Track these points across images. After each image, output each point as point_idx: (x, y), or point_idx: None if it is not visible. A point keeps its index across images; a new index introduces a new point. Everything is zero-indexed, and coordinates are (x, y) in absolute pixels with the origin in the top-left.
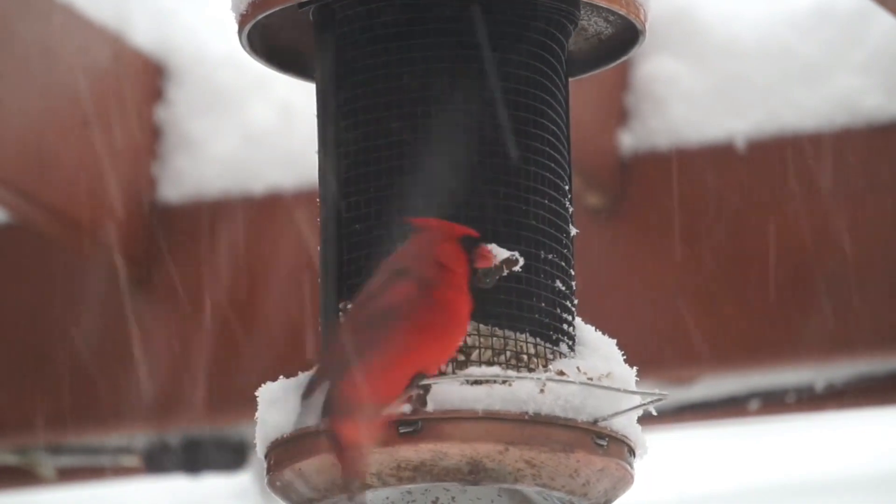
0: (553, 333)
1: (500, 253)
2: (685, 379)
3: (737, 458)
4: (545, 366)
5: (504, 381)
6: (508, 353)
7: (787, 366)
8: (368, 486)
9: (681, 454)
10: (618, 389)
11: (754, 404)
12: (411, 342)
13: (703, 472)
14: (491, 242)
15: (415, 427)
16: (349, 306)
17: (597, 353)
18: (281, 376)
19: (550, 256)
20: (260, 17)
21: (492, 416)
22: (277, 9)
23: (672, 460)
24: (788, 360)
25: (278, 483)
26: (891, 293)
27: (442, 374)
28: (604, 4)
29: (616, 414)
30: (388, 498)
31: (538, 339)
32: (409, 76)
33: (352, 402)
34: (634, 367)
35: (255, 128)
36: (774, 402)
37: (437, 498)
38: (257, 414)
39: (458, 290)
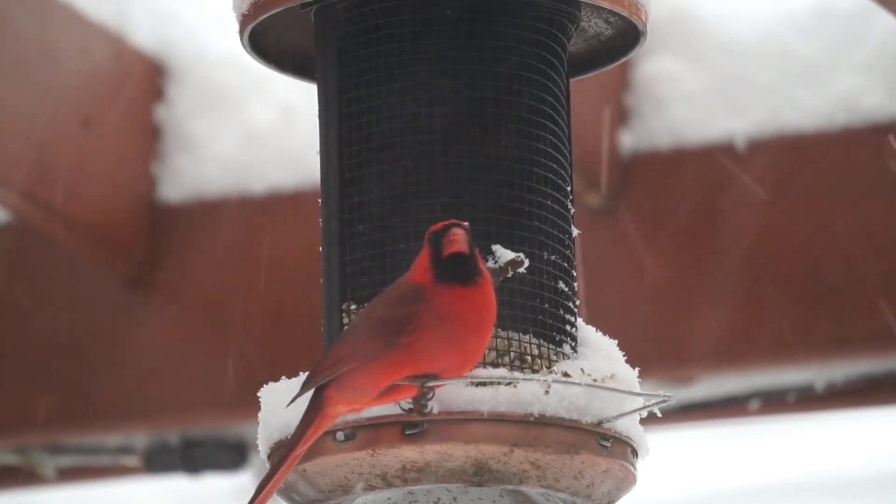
0: (556, 334)
1: (504, 254)
2: (685, 379)
3: (737, 458)
4: (549, 367)
5: (509, 383)
6: (512, 355)
7: (787, 366)
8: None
9: (681, 454)
10: (623, 391)
11: (754, 404)
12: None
13: (704, 472)
14: (495, 244)
15: (420, 429)
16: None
17: (599, 353)
18: (283, 377)
19: (553, 257)
20: (262, 17)
21: (497, 418)
22: (280, 9)
23: (673, 460)
24: (788, 360)
25: (281, 484)
26: (891, 293)
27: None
28: (606, 5)
29: (621, 415)
30: (390, 499)
31: (542, 341)
32: (411, 77)
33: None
34: (636, 368)
35: (255, 128)
36: (774, 402)
37: (440, 499)
38: (260, 414)
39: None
